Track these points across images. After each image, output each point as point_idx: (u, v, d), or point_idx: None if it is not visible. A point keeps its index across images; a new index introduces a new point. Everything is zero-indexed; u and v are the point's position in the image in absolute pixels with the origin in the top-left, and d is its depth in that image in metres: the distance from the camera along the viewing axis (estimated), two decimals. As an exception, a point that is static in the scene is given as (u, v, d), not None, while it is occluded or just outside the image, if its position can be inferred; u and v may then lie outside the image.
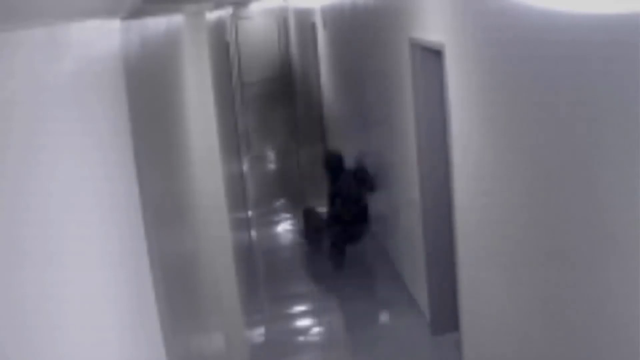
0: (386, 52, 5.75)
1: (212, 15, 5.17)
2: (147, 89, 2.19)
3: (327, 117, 10.89)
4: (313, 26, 11.49)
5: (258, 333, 5.57)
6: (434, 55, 4.74)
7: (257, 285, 6.53)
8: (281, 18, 18.38)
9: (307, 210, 7.63)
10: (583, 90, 2.39)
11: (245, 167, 9.97)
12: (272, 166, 11.24)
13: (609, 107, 2.22)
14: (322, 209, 7.42)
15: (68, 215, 1.32)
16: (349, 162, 7.36)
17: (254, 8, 17.96)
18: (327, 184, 7.27)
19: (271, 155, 11.88)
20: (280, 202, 9.14)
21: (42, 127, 1.24)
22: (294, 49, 16.36)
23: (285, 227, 8.12)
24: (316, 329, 5.53)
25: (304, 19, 12.98)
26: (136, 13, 1.88)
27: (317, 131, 12.01)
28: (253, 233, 7.97)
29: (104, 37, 1.61)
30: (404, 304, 5.73)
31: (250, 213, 8.45)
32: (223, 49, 6.72)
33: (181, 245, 2.63)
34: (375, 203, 6.97)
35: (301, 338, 5.41)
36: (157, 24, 2.68)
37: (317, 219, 7.33)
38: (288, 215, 8.56)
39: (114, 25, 1.68)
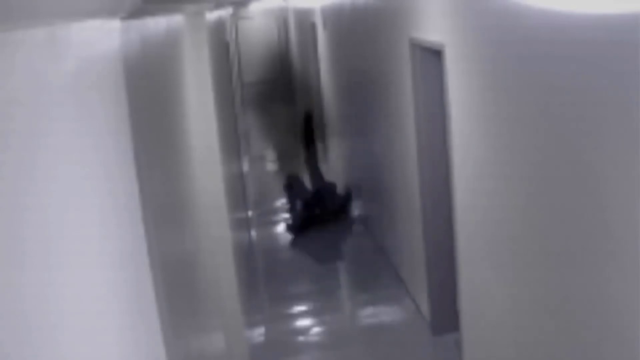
0: (386, 52, 5.75)
1: (212, 15, 5.17)
2: (147, 89, 2.19)
3: (327, 117, 10.89)
4: (313, 26, 11.49)
5: (258, 333, 5.57)
6: (434, 55, 4.74)
7: (257, 285, 6.53)
8: (281, 18, 18.38)
9: (291, 177, 8.29)
10: (583, 90, 2.39)
11: (245, 167, 9.97)
12: (272, 166, 11.24)
13: (609, 107, 2.22)
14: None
15: (68, 215, 1.32)
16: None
17: (254, 8, 17.97)
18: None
19: (271, 155, 11.88)
20: (280, 202, 9.14)
21: (42, 127, 1.24)
22: (294, 49, 16.36)
23: (285, 227, 8.13)
24: (316, 329, 5.53)
25: (304, 19, 12.98)
26: (136, 13, 1.88)
27: (317, 131, 12.00)
28: (253, 233, 7.97)
29: (104, 37, 1.61)
30: (404, 304, 5.73)
31: (250, 213, 8.44)
32: (223, 49, 6.72)
33: (181, 245, 2.63)
34: (375, 203, 6.98)
35: (301, 338, 5.41)
36: (157, 24, 2.68)
37: (302, 187, 8.12)
38: (288, 216, 8.56)
39: (114, 25, 1.68)
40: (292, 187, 8.24)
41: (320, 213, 7.82)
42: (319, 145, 9.25)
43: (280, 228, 8.13)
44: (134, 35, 1.99)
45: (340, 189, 8.75)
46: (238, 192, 6.38)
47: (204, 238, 3.80)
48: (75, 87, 1.40)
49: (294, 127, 13.72)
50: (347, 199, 8.15)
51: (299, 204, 7.87)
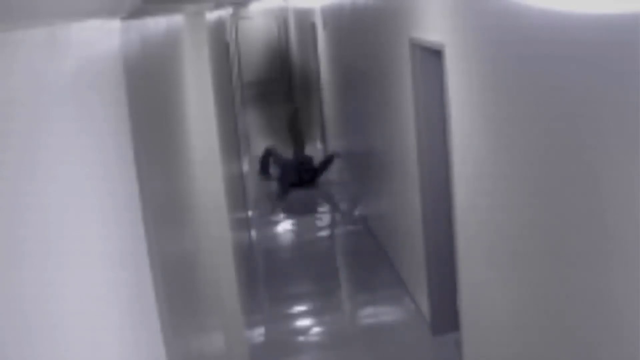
0: (386, 52, 5.75)
1: (212, 15, 5.18)
2: (147, 89, 2.19)
3: (327, 116, 10.89)
4: (313, 26, 11.49)
5: (258, 333, 5.57)
6: (434, 55, 4.74)
7: (257, 285, 6.53)
8: (281, 18, 18.38)
9: (269, 149, 9.93)
10: (583, 90, 2.39)
11: (245, 167, 9.96)
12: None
13: (609, 107, 2.22)
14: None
15: (68, 215, 1.32)
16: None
17: (254, 8, 17.98)
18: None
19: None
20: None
21: (42, 127, 1.24)
22: (294, 49, 16.35)
23: (285, 227, 8.12)
24: (316, 329, 5.53)
25: (304, 19, 12.98)
26: (136, 13, 1.88)
27: (317, 131, 12.00)
28: (253, 233, 7.97)
29: (104, 37, 1.61)
30: (404, 304, 5.73)
31: (250, 213, 8.44)
32: (223, 49, 6.72)
33: (181, 245, 2.63)
34: (375, 203, 6.98)
35: (301, 338, 5.41)
36: (157, 24, 2.69)
37: (278, 158, 9.63)
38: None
39: (114, 25, 1.68)
40: (269, 157, 9.98)
41: (298, 179, 9.57)
42: (319, 140, 10.81)
43: (280, 228, 8.13)
44: (134, 35, 1.99)
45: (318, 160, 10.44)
46: (238, 192, 6.38)
47: (204, 238, 3.80)
48: (75, 87, 1.40)
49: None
50: (325, 163, 9.68)
51: (277, 172, 9.75)
